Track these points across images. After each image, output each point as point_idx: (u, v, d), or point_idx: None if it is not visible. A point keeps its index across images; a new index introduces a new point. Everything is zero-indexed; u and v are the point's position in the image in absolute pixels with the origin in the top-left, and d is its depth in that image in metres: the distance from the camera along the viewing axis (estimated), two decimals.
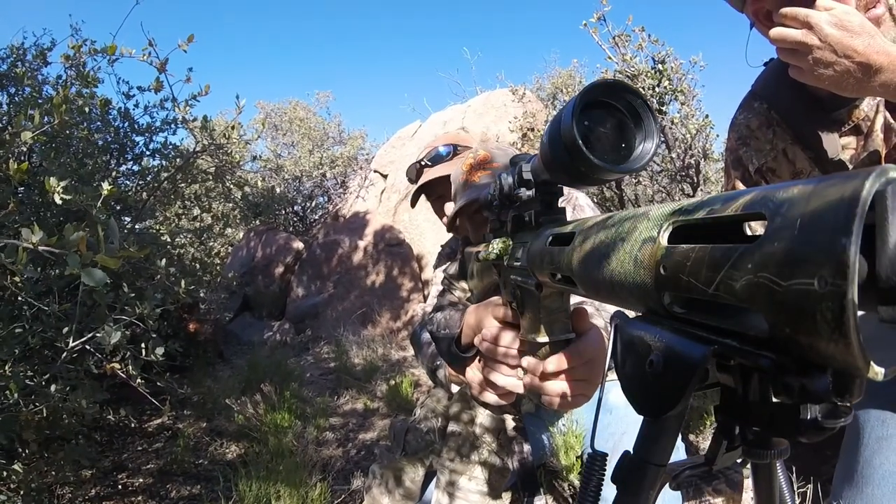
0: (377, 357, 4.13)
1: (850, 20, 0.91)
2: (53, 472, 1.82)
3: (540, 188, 0.61)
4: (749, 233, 0.37)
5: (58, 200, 1.12)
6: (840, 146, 1.20)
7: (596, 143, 0.48)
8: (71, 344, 1.53)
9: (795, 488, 1.42)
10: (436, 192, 1.64)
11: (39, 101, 2.08)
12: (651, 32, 3.67)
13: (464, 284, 1.39)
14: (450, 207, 1.34)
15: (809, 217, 0.23)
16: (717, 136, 3.84)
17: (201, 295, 3.54)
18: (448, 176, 1.50)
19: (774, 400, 0.31)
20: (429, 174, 1.60)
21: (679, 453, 1.22)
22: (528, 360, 0.66)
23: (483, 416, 1.48)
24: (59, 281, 1.79)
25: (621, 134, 0.50)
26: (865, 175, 0.21)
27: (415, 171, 1.67)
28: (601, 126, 0.49)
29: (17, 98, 2.37)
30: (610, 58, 3.77)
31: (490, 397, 0.84)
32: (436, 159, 1.60)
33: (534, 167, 0.60)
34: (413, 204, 1.73)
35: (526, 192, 0.62)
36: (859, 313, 0.21)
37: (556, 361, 0.61)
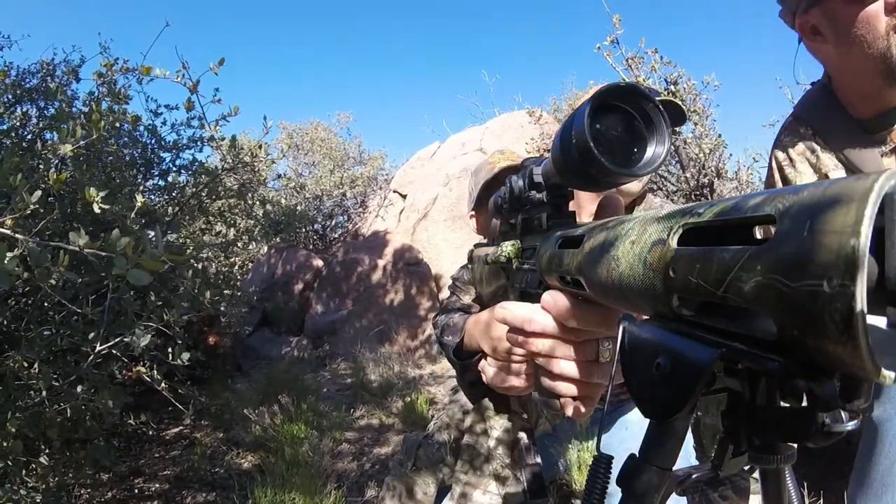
0: (393, 374, 4.14)
1: None
2: (72, 473, 1.86)
3: (550, 191, 0.60)
4: (759, 236, 0.36)
5: (97, 209, 1.17)
6: (882, 166, 1.22)
7: (606, 146, 0.48)
8: (98, 348, 1.58)
9: (807, 502, 1.40)
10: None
11: (73, 114, 2.17)
12: (664, 54, 3.72)
13: (471, 289, 1.39)
14: None
15: (819, 218, 0.23)
16: (731, 155, 3.84)
17: (222, 308, 3.60)
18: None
19: (782, 404, 0.31)
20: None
21: (690, 460, 1.21)
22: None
23: (497, 429, 1.48)
24: (86, 288, 1.85)
25: (632, 137, 0.50)
26: (875, 177, 0.21)
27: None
28: (612, 129, 0.49)
29: (45, 112, 2.48)
30: (624, 80, 3.81)
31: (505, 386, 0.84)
32: None
33: (545, 170, 0.59)
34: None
35: (536, 195, 0.61)
36: (869, 317, 0.21)
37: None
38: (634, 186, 1.42)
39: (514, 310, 0.59)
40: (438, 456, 1.55)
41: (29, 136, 2.31)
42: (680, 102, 1.40)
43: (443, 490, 1.56)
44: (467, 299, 1.40)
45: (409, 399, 3.33)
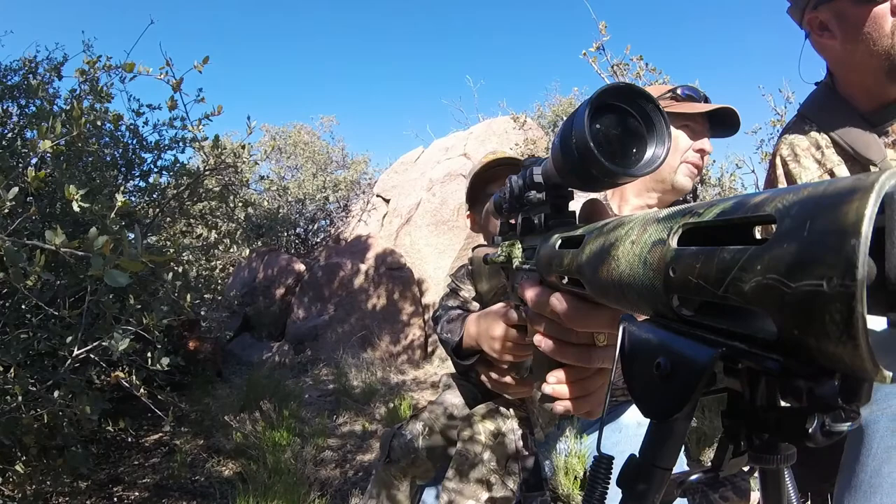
0: (376, 380, 4.11)
1: None
2: (49, 481, 1.81)
3: (550, 191, 0.60)
4: (759, 236, 0.36)
5: (76, 208, 1.14)
6: (884, 151, 1.28)
7: (606, 146, 0.48)
8: (76, 352, 1.54)
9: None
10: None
11: (54, 112, 2.13)
12: (648, 61, 3.76)
13: (470, 287, 1.40)
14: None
15: (819, 218, 0.23)
16: (714, 161, 3.88)
17: (203, 313, 3.54)
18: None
19: (782, 404, 0.31)
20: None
21: (683, 465, 1.22)
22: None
23: (484, 434, 1.47)
24: (64, 291, 1.80)
25: (631, 138, 0.50)
26: (876, 176, 0.21)
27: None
28: (612, 129, 0.49)
29: (27, 110, 2.42)
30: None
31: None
32: None
33: (544, 170, 0.59)
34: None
35: (536, 195, 0.61)
36: (869, 317, 0.21)
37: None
38: (687, 183, 1.43)
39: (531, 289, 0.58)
40: (411, 446, 1.55)
41: (9, 135, 2.26)
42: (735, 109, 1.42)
43: (420, 486, 1.56)
44: (465, 295, 1.40)
45: (391, 405, 3.31)
